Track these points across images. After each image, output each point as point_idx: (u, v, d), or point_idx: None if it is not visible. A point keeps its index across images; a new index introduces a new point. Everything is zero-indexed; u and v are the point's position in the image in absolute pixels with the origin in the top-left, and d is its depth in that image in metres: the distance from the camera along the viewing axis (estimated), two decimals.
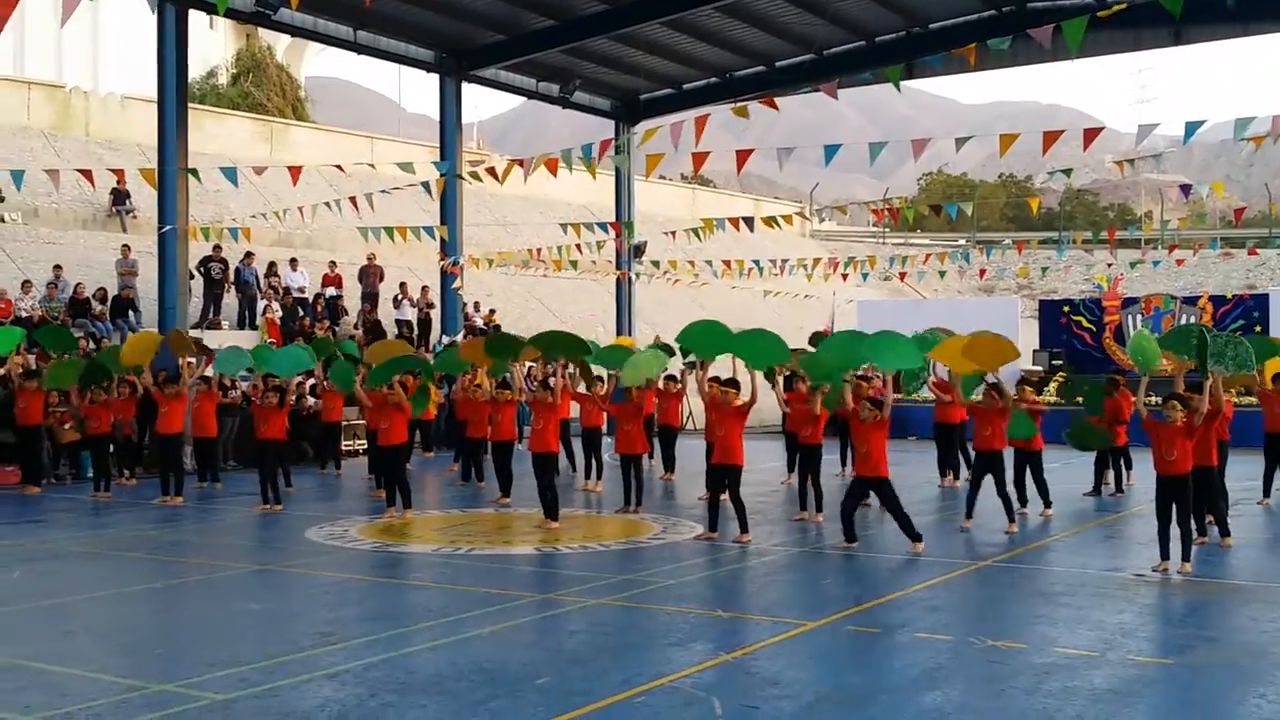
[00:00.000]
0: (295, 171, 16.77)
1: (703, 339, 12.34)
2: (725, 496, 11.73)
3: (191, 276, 22.46)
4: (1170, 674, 6.68)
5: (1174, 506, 9.76)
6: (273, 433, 14.41)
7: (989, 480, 11.92)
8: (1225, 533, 11.10)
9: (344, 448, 20.05)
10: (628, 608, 8.53)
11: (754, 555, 10.85)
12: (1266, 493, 14.00)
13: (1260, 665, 6.83)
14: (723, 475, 11.71)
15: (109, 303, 23.03)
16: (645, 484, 14.34)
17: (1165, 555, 9.74)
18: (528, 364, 15.37)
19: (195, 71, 38.74)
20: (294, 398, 15.96)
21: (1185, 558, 9.67)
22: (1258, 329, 25.13)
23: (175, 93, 20.24)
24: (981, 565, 10.24)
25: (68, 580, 10.04)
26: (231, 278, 25.03)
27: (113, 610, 8.87)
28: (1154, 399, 11.81)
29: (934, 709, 6.01)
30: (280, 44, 49.78)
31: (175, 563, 10.72)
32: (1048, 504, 13.04)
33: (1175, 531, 9.72)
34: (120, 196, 28.57)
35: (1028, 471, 12.99)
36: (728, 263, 25.61)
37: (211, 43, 47.02)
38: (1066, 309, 27.58)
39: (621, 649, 7.31)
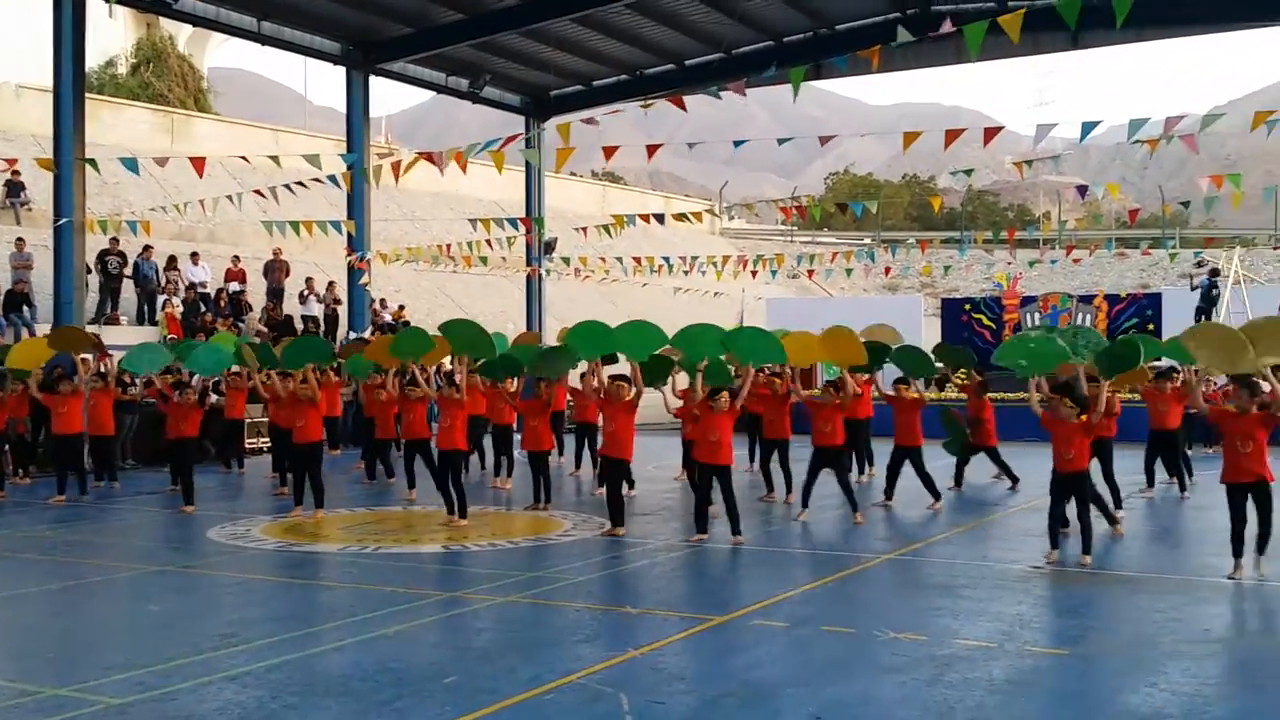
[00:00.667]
0: (199, 163, 16.43)
1: (585, 340, 12.51)
2: (631, 491, 11.79)
3: (89, 271, 21.88)
4: (1065, 664, 6.85)
5: (1073, 501, 10.06)
6: (189, 430, 14.14)
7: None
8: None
9: (247, 445, 19.73)
10: (536, 605, 8.52)
11: (662, 551, 10.89)
12: (1150, 483, 14.44)
13: (1152, 655, 7.04)
14: (612, 468, 11.81)
15: (2, 297, 22.34)
16: (554, 481, 14.31)
17: (1055, 545, 10.04)
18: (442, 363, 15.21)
19: (93, 61, 37.74)
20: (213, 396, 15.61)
21: (1085, 550, 9.95)
22: (1150, 327, 25.93)
23: (72, 82, 19.71)
24: (884, 558, 10.41)
25: None
26: (130, 272, 24.44)
27: (5, 613, 8.61)
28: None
29: (837, 702, 6.09)
30: (182, 34, 48.63)
31: (72, 564, 10.44)
32: (936, 496, 13.44)
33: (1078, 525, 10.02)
34: (14, 188, 27.71)
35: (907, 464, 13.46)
36: (638, 260, 25.68)
37: (110, 32, 45.72)
38: (968, 307, 28.16)
39: (529, 646, 7.30)
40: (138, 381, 17.38)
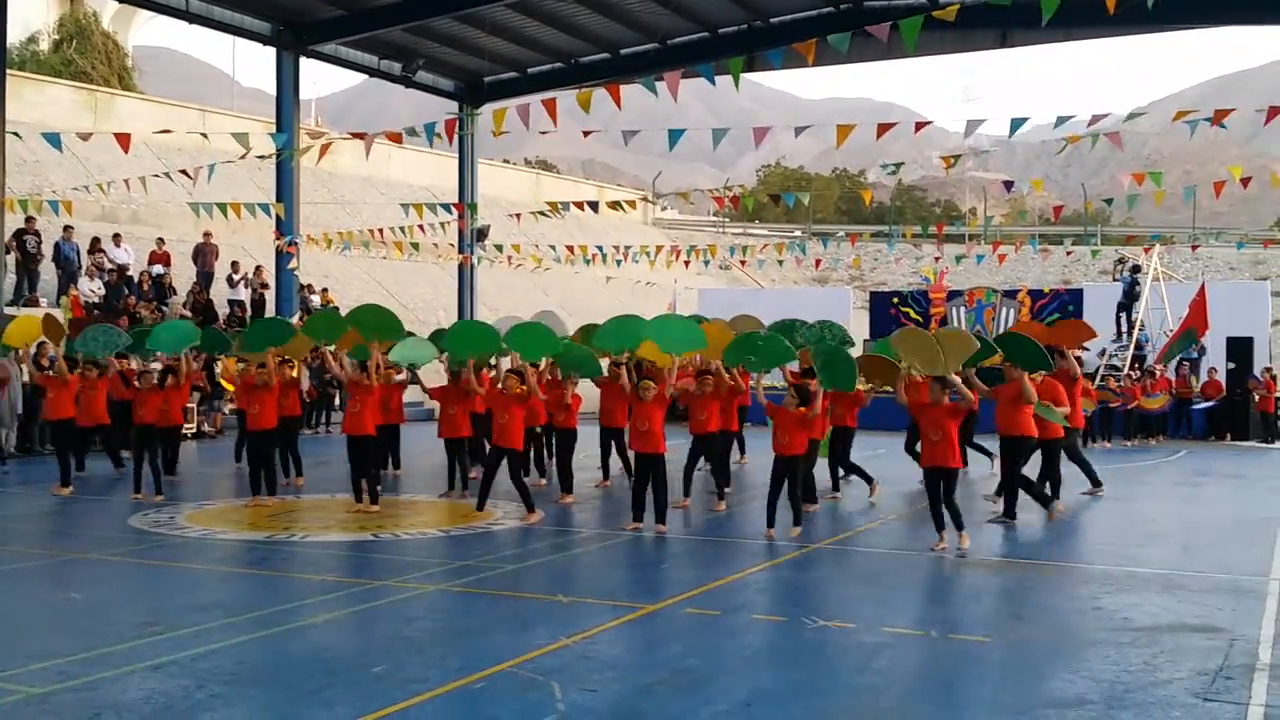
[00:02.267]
0: (124, 139, 16.07)
1: (470, 339, 13.10)
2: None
3: (6, 251, 21.33)
4: (988, 651, 6.97)
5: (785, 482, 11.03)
6: (152, 417, 13.66)
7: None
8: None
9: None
10: (466, 594, 8.47)
11: (594, 541, 10.90)
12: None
13: (1071, 643, 7.18)
14: (501, 458, 11.98)
15: None
16: (469, 468, 14.19)
17: (770, 524, 10.93)
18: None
19: (15, 36, 36.80)
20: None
21: (796, 522, 11.02)
22: None
23: None
24: (814, 548, 10.50)
25: None
26: (50, 253, 23.89)
27: None
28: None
29: (768, 690, 6.14)
30: (107, 10, 47.58)
31: None
32: (835, 487, 13.79)
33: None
34: None
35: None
36: (571, 248, 25.62)
37: (32, 7, 44.59)
38: (895, 300, 28.51)
39: (460, 635, 7.27)
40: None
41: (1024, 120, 13.33)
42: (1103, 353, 25.39)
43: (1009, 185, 19.91)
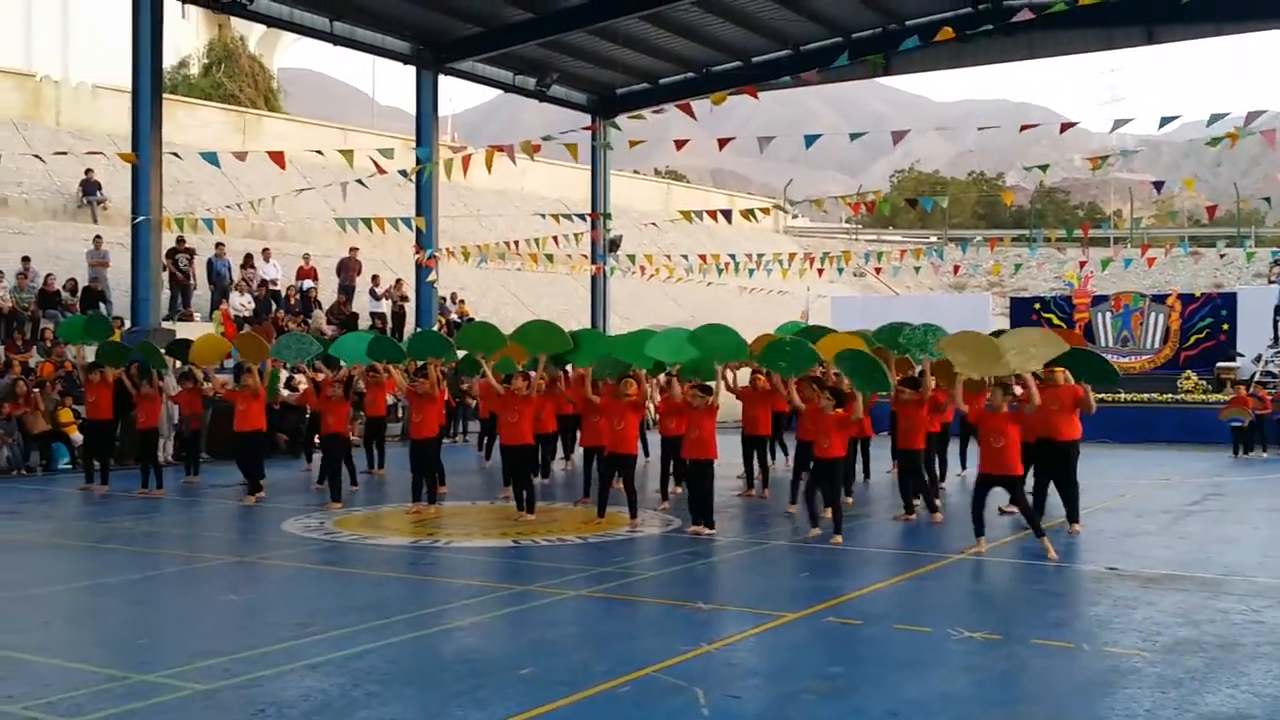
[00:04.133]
0: (278, 157, 16.69)
1: (480, 339, 13.50)
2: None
3: (164, 268, 22.31)
4: (1143, 664, 6.75)
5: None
6: (340, 426, 14.14)
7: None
8: (933, 509, 12.58)
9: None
10: (606, 600, 8.56)
11: (730, 549, 10.90)
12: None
13: (1231, 657, 6.92)
14: (616, 465, 12.34)
15: (79, 294, 22.86)
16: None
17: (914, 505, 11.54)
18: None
19: (167, 61, 38.44)
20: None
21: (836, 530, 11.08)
22: (1225, 327, 25.48)
23: (150, 81, 20.11)
24: (954, 559, 10.32)
25: (43, 572, 9.98)
26: (203, 270, 24.91)
27: (90, 601, 8.82)
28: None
29: (914, 698, 6.06)
30: (253, 34, 49.43)
31: (151, 554, 10.67)
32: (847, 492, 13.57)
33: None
34: (90, 187, 28.35)
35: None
36: (703, 257, 25.66)
37: (183, 32, 46.62)
38: (1037, 306, 27.84)
39: (602, 640, 7.34)
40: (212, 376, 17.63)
41: (1174, 117, 12.90)
42: (1258, 359, 24.41)
43: (1159, 186, 19.26)
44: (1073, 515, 11.73)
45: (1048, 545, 10.26)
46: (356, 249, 27.65)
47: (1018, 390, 10.44)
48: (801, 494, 12.15)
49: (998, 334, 11.46)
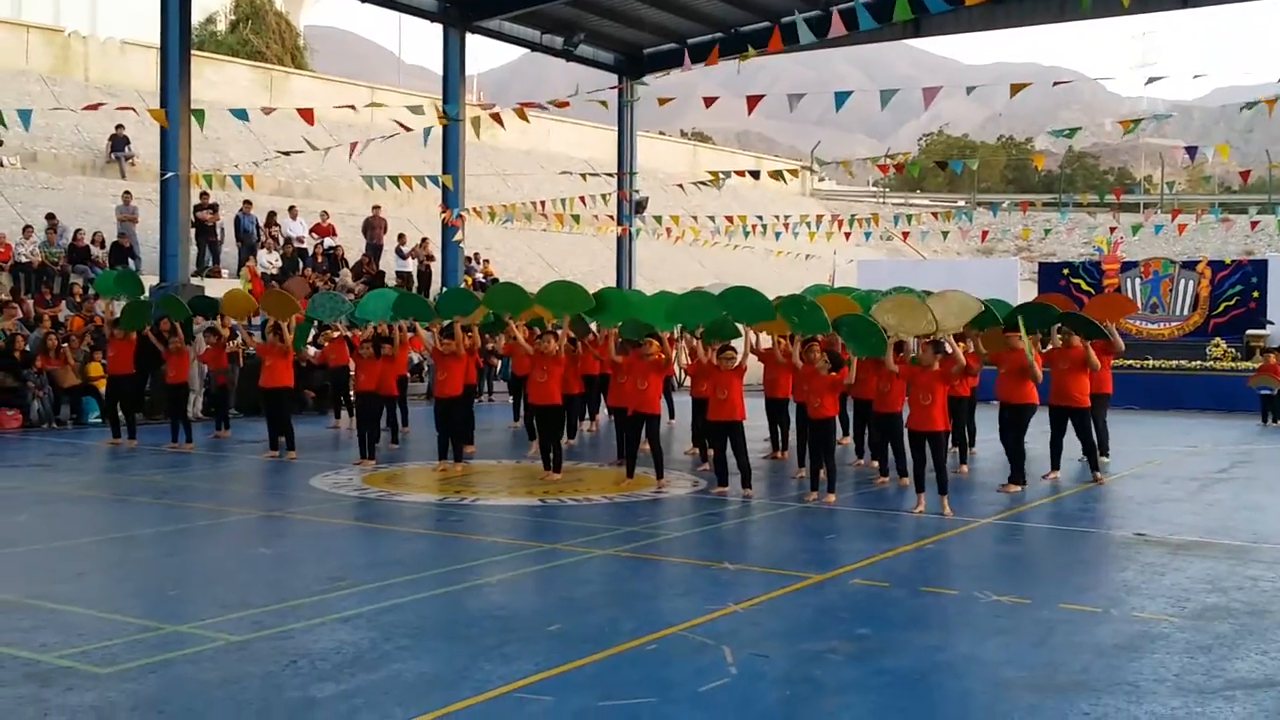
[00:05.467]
0: (307, 114, 16.72)
1: (507, 299, 13.50)
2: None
3: (193, 224, 22.38)
4: (1172, 629, 6.74)
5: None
6: (372, 385, 14.00)
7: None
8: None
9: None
10: (633, 559, 8.60)
11: (756, 510, 10.92)
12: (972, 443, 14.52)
13: (1261, 624, 6.89)
14: (641, 423, 12.31)
15: (108, 249, 22.98)
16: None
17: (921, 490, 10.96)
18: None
19: (195, 17, 38.34)
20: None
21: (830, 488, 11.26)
22: (1255, 294, 25.23)
23: (179, 37, 20.07)
24: (981, 523, 10.31)
25: (76, 523, 10.09)
26: (230, 227, 24.97)
27: (122, 553, 8.92)
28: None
29: (942, 660, 6.07)
30: None
31: (182, 507, 10.76)
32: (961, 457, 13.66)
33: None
34: (119, 143, 28.42)
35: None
36: (730, 218, 25.53)
37: None
38: (1066, 271, 27.57)
39: (630, 598, 7.38)
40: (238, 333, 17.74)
41: (1205, 78, 12.72)
42: None
43: (1191, 151, 19.02)
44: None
45: (946, 504, 10.65)
46: (379, 207, 27.63)
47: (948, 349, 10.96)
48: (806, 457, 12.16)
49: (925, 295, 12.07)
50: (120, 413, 15.84)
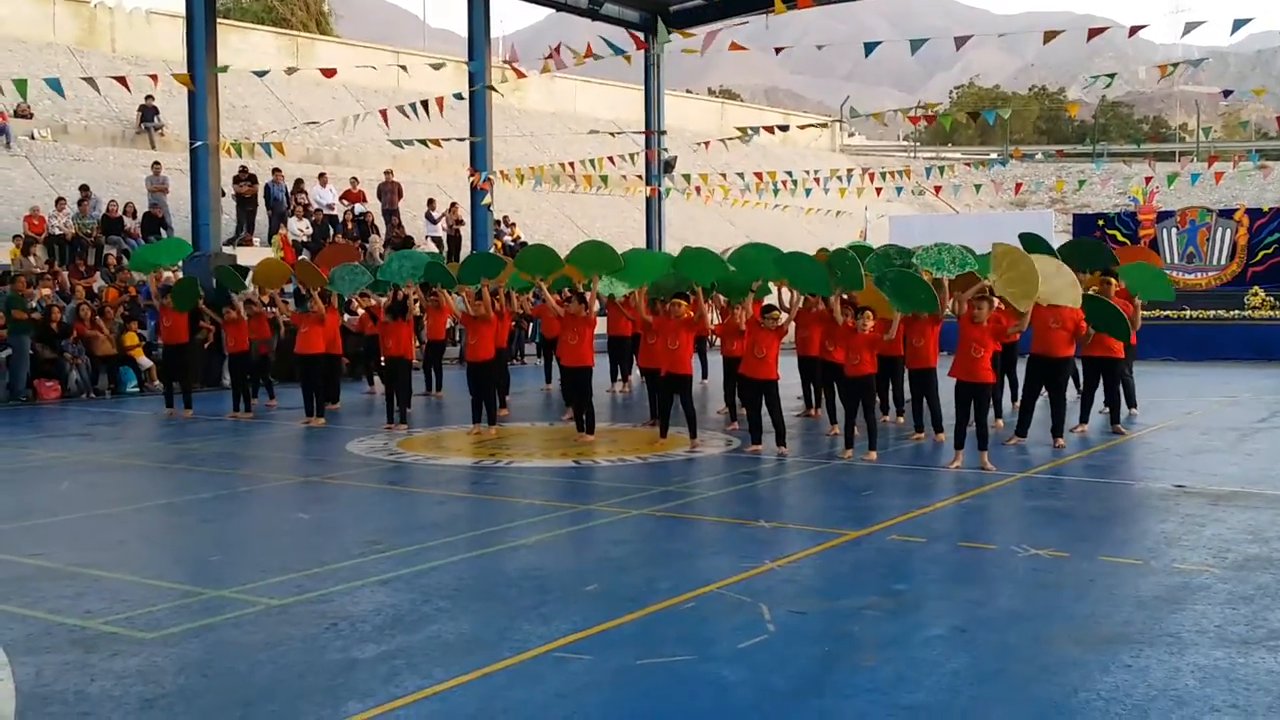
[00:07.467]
0: (329, 73, 16.76)
1: (538, 261, 13.53)
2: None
3: (224, 194, 22.44)
4: (1214, 581, 6.68)
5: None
6: (398, 350, 14.29)
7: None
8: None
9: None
10: (669, 519, 8.60)
11: (791, 469, 10.90)
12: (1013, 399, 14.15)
13: None
14: (674, 385, 12.24)
15: (140, 220, 23.10)
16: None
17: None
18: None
19: None
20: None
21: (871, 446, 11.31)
22: None
23: (205, 5, 20.04)
24: (1019, 477, 10.25)
25: (116, 491, 10.21)
26: (260, 195, 25.04)
27: (163, 520, 9.01)
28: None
29: (981, 615, 6.04)
30: None
31: (220, 474, 10.86)
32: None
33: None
34: (149, 113, 28.52)
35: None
36: (759, 175, 25.35)
37: None
38: (1101, 223, 27.23)
39: (665, 558, 7.38)
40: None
41: (1247, 20, 12.43)
42: None
43: (1227, 94, 18.65)
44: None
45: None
46: (390, 171, 27.58)
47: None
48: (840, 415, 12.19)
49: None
50: (174, 382, 15.92)
